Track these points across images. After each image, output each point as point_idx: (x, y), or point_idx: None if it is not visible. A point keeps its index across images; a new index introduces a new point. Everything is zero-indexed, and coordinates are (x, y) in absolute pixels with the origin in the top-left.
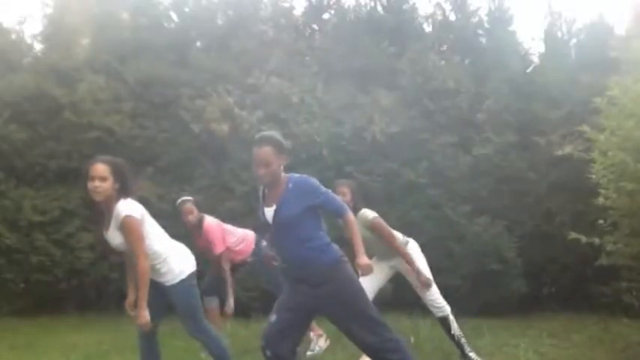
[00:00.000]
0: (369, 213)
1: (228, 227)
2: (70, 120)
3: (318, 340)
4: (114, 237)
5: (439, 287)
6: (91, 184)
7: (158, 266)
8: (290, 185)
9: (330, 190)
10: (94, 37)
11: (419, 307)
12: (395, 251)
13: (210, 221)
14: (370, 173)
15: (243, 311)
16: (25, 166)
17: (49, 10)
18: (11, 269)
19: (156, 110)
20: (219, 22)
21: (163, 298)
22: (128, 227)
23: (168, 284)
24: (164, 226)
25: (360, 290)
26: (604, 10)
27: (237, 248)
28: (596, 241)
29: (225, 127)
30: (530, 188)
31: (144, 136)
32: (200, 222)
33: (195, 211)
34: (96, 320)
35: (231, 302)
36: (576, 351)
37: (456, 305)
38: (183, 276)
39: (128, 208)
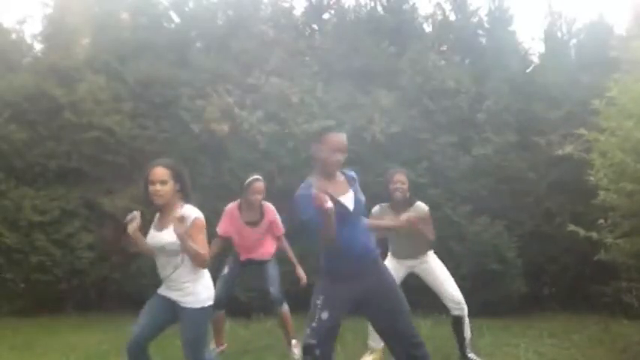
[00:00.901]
0: (424, 204)
1: None
2: (70, 120)
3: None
4: (166, 237)
5: None
6: (152, 188)
7: (186, 284)
8: (348, 176)
9: None
10: (94, 37)
11: (420, 306)
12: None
13: (267, 204)
14: (370, 173)
15: (243, 311)
16: (25, 166)
17: (49, 10)
18: (11, 269)
19: (156, 110)
20: (219, 22)
21: (172, 317)
22: (200, 227)
23: (186, 306)
24: None
25: (396, 283)
26: (604, 10)
27: None
28: (594, 235)
29: (225, 127)
30: (530, 188)
31: (144, 136)
32: (261, 207)
33: (264, 193)
34: (96, 320)
35: (300, 271)
36: (576, 351)
37: None
38: (205, 304)
39: (194, 211)
